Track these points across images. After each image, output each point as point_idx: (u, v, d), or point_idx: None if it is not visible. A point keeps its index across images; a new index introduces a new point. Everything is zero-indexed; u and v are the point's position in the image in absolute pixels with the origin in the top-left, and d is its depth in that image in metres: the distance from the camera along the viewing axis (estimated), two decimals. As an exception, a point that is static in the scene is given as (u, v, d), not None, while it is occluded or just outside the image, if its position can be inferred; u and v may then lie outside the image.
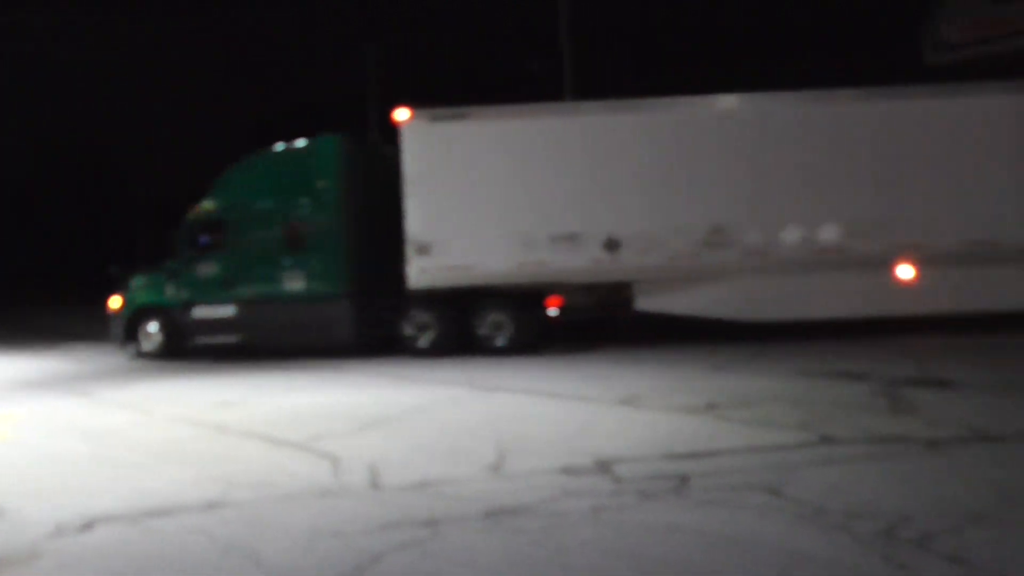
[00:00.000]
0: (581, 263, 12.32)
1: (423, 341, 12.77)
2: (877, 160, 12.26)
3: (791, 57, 19.95)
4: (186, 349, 13.66)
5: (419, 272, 12.42)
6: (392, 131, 12.90)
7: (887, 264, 12.17)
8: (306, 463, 6.79)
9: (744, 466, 6.07)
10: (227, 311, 13.35)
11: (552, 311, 12.68)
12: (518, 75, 22.93)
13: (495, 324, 12.64)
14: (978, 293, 11.97)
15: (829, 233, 12.23)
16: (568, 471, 6.11)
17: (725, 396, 8.64)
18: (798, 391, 8.87)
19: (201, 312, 13.48)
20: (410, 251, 12.40)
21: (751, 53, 20.95)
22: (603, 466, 6.19)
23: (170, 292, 13.63)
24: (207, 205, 13.63)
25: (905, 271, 12.19)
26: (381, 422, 8.22)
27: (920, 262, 12.14)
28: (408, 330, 12.83)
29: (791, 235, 12.26)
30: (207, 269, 13.46)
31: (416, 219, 12.40)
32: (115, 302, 14.00)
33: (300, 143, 13.60)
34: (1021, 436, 6.61)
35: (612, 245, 12.22)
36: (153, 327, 13.74)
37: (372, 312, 12.98)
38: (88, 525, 5.38)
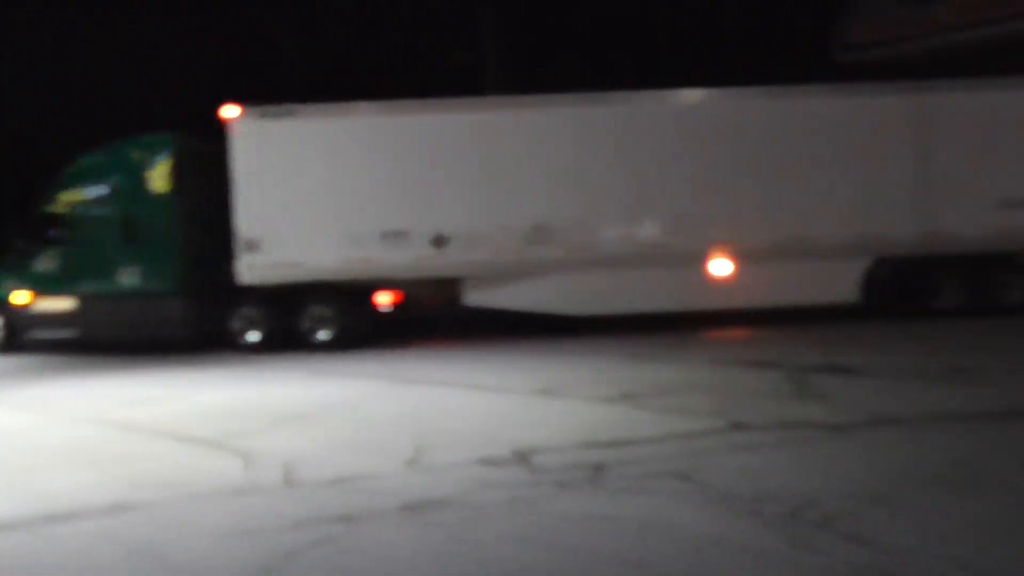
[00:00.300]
0: (410, 259, 12.40)
1: (252, 336, 12.74)
2: (695, 159, 12.56)
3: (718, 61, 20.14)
4: (23, 344, 13.47)
5: (248, 268, 12.37)
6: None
7: (706, 259, 12.52)
8: (217, 461, 6.62)
9: (658, 454, 6.18)
10: (66, 305, 13.18)
11: (382, 307, 12.84)
12: (443, 65, 22.63)
13: (323, 319, 12.71)
14: (795, 287, 12.45)
15: (649, 230, 12.53)
16: (486, 463, 6.11)
17: (641, 385, 8.79)
18: (712, 379, 9.10)
19: (40, 306, 13.28)
20: (239, 247, 12.34)
21: (734, 54, 21.00)
22: (521, 457, 6.22)
23: (10, 286, 13.38)
24: (50, 198, 13.34)
25: (723, 266, 12.56)
26: (296, 418, 8.07)
27: (737, 257, 12.53)
28: (237, 325, 12.78)
29: (612, 232, 12.50)
30: (48, 263, 13.28)
31: (245, 216, 12.34)
32: None
33: (138, 139, 13.41)
34: (919, 419, 6.92)
35: (440, 242, 12.36)
36: None
37: (205, 308, 12.93)
38: (-19, 532, 5.12)
